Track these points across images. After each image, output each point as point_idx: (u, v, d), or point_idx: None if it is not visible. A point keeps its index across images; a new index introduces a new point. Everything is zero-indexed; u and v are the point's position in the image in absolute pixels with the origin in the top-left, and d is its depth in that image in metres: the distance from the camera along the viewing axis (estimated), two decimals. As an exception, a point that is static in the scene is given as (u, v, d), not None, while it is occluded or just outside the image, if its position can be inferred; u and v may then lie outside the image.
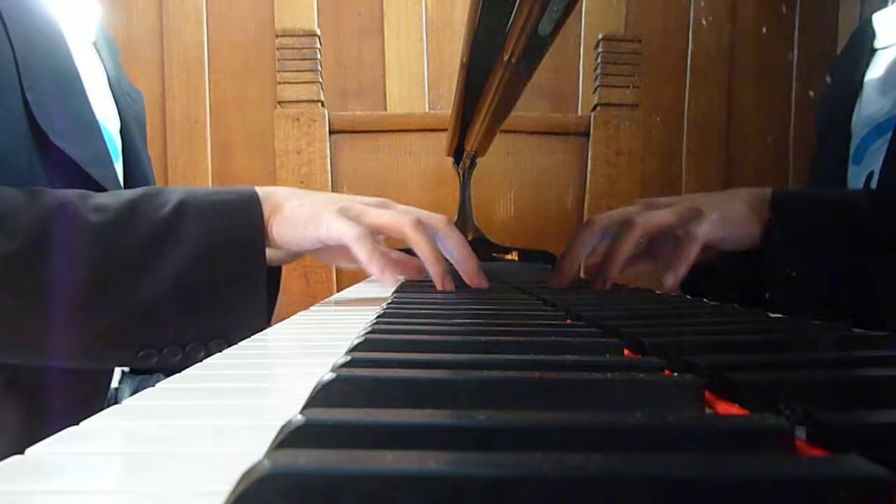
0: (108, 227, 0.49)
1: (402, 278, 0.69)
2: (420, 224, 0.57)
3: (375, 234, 0.58)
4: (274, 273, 0.69)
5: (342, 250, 0.57)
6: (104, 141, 0.63)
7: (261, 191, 0.56)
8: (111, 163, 0.63)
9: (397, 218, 0.57)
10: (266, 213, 0.54)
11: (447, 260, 0.61)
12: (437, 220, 0.61)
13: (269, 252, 0.55)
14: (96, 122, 0.62)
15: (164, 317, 0.50)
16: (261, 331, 0.42)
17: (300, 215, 0.55)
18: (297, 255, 0.66)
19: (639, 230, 0.59)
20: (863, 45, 0.82)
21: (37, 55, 0.57)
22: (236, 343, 0.36)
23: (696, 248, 0.58)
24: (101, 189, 0.58)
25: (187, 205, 0.51)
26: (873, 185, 0.72)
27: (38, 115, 0.54)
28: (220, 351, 0.33)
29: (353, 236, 0.54)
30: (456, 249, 0.61)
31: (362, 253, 0.54)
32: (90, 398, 0.62)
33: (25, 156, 0.54)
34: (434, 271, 0.58)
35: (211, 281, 0.51)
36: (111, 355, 0.53)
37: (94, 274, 0.48)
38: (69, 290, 0.48)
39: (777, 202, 0.59)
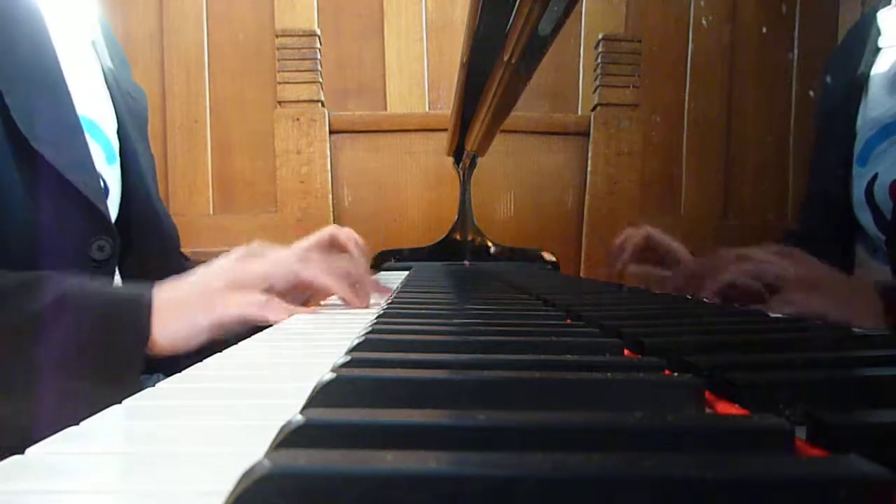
0: None
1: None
2: (304, 258, 0.56)
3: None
4: None
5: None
6: (87, 145, 0.61)
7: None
8: (93, 168, 0.61)
9: (281, 267, 0.55)
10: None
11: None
12: (326, 232, 0.70)
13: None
14: (80, 125, 0.61)
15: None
16: None
17: (183, 308, 0.50)
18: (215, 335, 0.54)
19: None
20: (864, 42, 0.81)
21: (17, 56, 0.56)
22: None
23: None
24: (81, 194, 0.58)
25: (67, 299, 0.46)
26: (877, 187, 0.72)
27: (17, 120, 0.54)
28: None
29: (257, 308, 0.50)
30: (351, 248, 0.71)
31: (274, 316, 0.50)
32: None
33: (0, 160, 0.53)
34: (344, 295, 0.58)
35: (79, 379, 0.46)
36: None
37: None
38: None
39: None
